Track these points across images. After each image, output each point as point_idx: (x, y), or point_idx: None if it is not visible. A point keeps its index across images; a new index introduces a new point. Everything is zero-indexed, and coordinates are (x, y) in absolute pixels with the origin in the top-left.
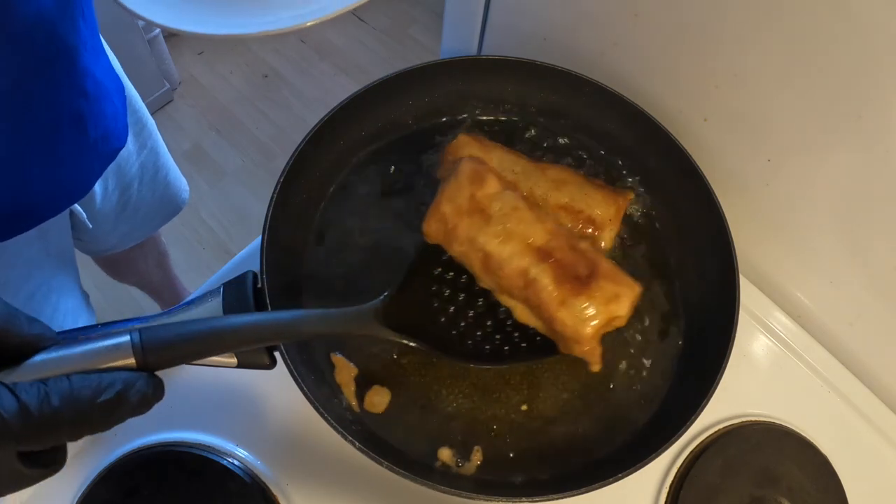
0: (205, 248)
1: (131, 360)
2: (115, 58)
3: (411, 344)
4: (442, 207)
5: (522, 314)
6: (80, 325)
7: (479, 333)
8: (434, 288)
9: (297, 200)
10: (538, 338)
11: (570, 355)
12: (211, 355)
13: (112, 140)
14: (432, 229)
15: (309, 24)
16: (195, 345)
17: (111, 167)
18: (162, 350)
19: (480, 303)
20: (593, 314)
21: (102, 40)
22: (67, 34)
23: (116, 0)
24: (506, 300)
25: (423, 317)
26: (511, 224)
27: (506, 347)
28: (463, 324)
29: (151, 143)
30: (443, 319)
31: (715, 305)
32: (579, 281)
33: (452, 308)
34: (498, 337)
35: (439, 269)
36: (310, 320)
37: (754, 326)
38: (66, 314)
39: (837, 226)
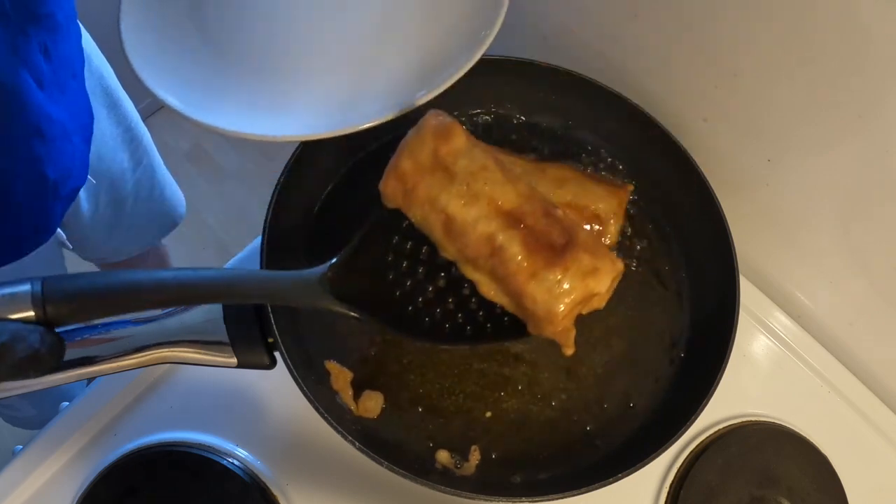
0: (205, 248)
1: (30, 313)
2: (106, 68)
3: (358, 317)
4: (401, 164)
5: (488, 289)
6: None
7: (438, 311)
8: (390, 258)
9: (297, 200)
10: (505, 318)
11: (540, 336)
12: (126, 312)
13: (72, 180)
14: (389, 189)
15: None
16: (106, 298)
17: (104, 184)
18: (66, 302)
19: (442, 276)
20: (567, 289)
21: (96, 49)
22: (13, 76)
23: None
24: (470, 272)
25: (376, 289)
26: (478, 184)
27: (468, 327)
28: (421, 299)
29: (147, 159)
30: (398, 293)
31: (715, 305)
32: (553, 251)
33: (409, 281)
34: (460, 315)
35: (397, 238)
36: (242, 283)
37: (754, 326)
38: None
39: (837, 226)
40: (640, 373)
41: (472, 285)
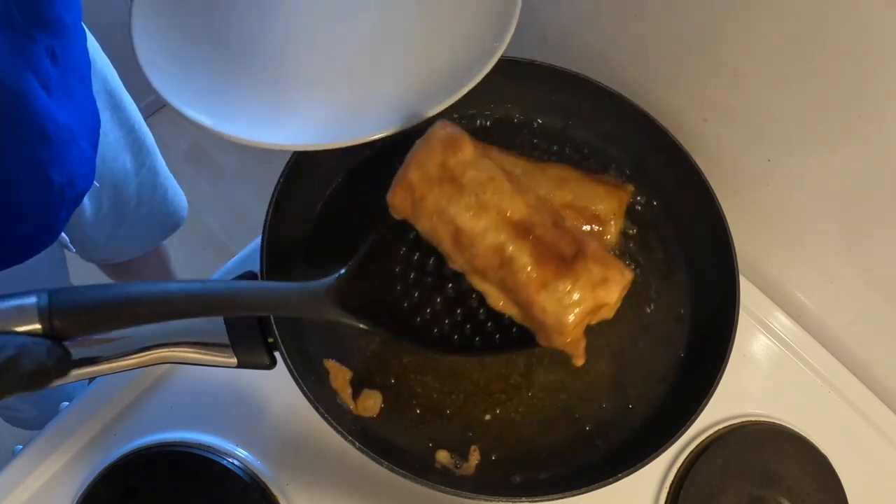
0: (205, 248)
1: (37, 325)
2: (109, 69)
3: (367, 329)
4: (409, 175)
5: (497, 300)
6: None
7: (446, 322)
8: (398, 269)
9: (297, 200)
10: (514, 329)
11: (550, 347)
12: (133, 324)
13: (78, 184)
14: (398, 200)
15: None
16: (114, 311)
17: (107, 186)
18: (73, 315)
19: (450, 288)
20: (577, 300)
21: (100, 50)
22: (19, 81)
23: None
24: (478, 283)
25: (383, 300)
26: (486, 195)
27: (477, 338)
28: (429, 310)
29: (150, 161)
30: (406, 305)
31: (715, 305)
32: (563, 261)
33: (417, 293)
34: (468, 326)
35: (404, 249)
36: (247, 296)
37: (754, 326)
38: None
39: (837, 225)
40: (640, 373)
41: (481, 296)
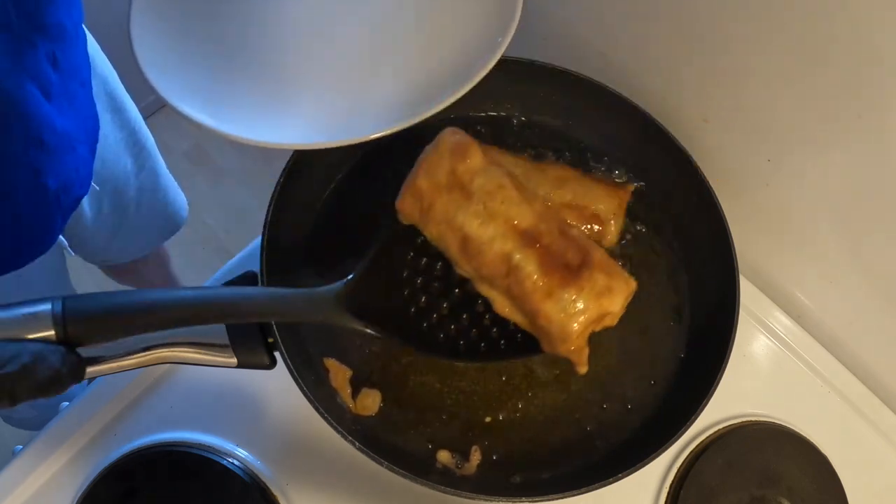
0: (205, 248)
1: (51, 332)
2: (109, 71)
3: (375, 334)
4: (418, 182)
5: (503, 306)
6: None
7: (453, 327)
8: (405, 274)
9: (297, 200)
10: (519, 335)
11: (554, 355)
12: (143, 332)
13: (75, 189)
14: (407, 206)
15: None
16: (125, 318)
17: (107, 188)
18: (87, 322)
19: (456, 293)
20: (582, 309)
21: (100, 52)
22: (16, 87)
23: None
24: (485, 290)
25: (390, 305)
26: (494, 203)
27: (482, 343)
28: (435, 315)
29: (150, 163)
30: (413, 310)
31: (715, 305)
32: (569, 270)
33: (424, 297)
34: (475, 331)
35: (412, 254)
36: (257, 302)
37: (754, 326)
38: None
39: (837, 226)
40: (640, 373)
41: (487, 302)
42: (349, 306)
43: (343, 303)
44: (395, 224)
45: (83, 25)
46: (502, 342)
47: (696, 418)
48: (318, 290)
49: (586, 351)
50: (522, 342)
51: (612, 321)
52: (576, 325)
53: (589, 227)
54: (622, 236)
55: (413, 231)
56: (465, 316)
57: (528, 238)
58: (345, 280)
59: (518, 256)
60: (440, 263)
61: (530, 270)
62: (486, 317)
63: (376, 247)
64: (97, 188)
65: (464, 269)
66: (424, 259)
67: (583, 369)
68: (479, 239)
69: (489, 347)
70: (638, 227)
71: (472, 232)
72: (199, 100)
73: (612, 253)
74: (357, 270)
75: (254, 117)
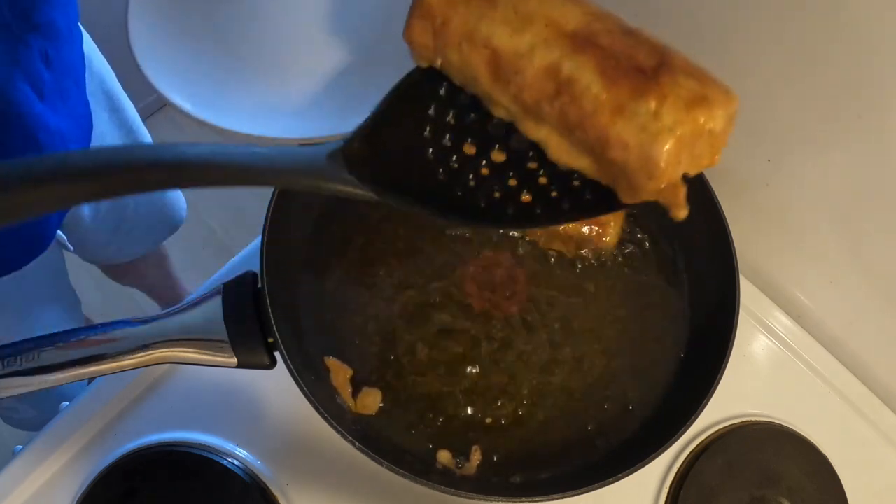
0: (205, 248)
1: None
2: (107, 70)
3: (392, 203)
4: None
5: (558, 150)
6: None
7: (496, 192)
8: (427, 132)
9: (297, 201)
10: (588, 194)
11: (637, 205)
12: (132, 191)
13: None
14: (416, 34)
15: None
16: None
17: None
18: (86, 176)
19: (497, 149)
20: (669, 124)
21: (97, 51)
22: (8, 86)
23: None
24: (533, 130)
25: (411, 171)
26: (528, 4)
27: (537, 209)
28: (472, 178)
29: None
30: (441, 175)
31: (715, 305)
32: (642, 75)
33: (456, 157)
34: (525, 193)
35: (434, 107)
36: (231, 159)
37: (754, 326)
38: (48, 328)
39: (837, 226)
40: (640, 373)
41: (539, 154)
42: (351, 167)
43: (341, 162)
44: (387, 220)
45: (79, 24)
46: (565, 204)
47: (696, 418)
48: (312, 149)
49: (683, 189)
50: (593, 201)
51: (712, 156)
52: (666, 145)
53: (589, 227)
54: (622, 237)
55: (434, 80)
56: (511, 174)
57: (580, 41)
58: (347, 137)
59: (569, 65)
60: (473, 113)
61: (588, 81)
62: (541, 172)
63: (386, 97)
64: None
65: (501, 103)
66: (451, 111)
67: (682, 212)
68: (513, 51)
69: (546, 210)
70: (637, 228)
71: (502, 44)
72: (196, 95)
73: (611, 254)
74: (361, 125)
75: (252, 111)
